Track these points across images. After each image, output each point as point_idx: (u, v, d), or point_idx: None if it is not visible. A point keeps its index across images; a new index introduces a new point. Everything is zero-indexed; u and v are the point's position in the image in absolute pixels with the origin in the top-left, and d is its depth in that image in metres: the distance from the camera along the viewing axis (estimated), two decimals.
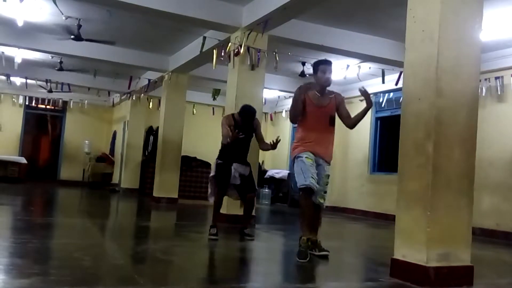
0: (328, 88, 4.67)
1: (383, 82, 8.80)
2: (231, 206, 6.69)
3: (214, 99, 11.02)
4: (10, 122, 14.88)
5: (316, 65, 4.59)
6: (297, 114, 4.54)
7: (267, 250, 5.33)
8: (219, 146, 6.94)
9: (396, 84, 8.24)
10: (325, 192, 4.59)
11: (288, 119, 14.58)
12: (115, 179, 15.00)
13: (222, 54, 7.23)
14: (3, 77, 11.70)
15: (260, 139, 5.72)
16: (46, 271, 3.25)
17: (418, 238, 3.49)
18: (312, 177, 4.34)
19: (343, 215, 10.75)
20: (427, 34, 3.64)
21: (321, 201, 4.55)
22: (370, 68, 8.97)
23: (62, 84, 11.99)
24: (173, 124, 10.29)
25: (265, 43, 6.97)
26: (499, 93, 7.77)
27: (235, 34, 7.01)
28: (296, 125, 4.77)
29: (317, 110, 4.54)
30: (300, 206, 4.53)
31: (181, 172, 10.52)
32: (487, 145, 7.37)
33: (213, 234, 5.27)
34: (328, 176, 4.62)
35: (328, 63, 4.59)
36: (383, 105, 10.39)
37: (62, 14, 6.53)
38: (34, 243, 4.35)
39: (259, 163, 7.41)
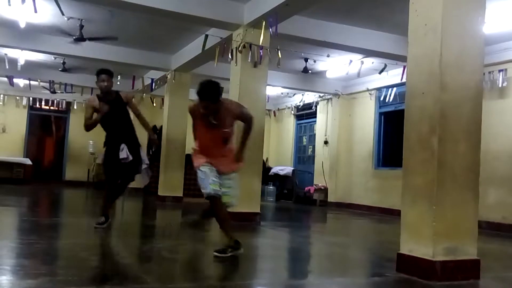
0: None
1: (380, 73, 8.81)
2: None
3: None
4: (14, 123, 14.91)
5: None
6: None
7: (273, 247, 5.34)
8: None
9: (402, 78, 8.23)
10: (229, 187, 4.17)
11: (292, 115, 14.54)
12: None
13: (224, 51, 7.23)
14: (6, 79, 11.72)
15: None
16: (53, 271, 3.26)
17: (424, 233, 3.48)
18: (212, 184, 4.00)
19: (348, 210, 10.75)
20: (430, 28, 3.63)
21: (228, 200, 4.16)
22: (373, 63, 8.94)
23: (66, 85, 12.01)
24: (176, 123, 10.28)
25: (267, 40, 6.96)
26: (503, 85, 7.73)
27: (237, 32, 7.00)
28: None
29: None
30: (215, 215, 4.20)
31: (186, 170, 10.52)
32: (492, 138, 7.34)
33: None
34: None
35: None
36: (387, 100, 10.36)
37: (63, 14, 6.52)
38: (41, 244, 4.37)
39: (264, 160, 7.40)
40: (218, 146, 4.16)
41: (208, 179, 4.01)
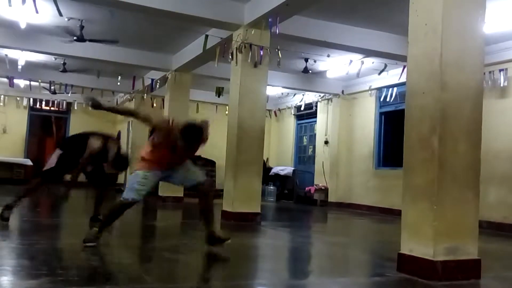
0: None
1: (379, 74, 8.83)
2: (237, 204, 6.70)
3: (219, 96, 11.03)
4: (15, 124, 14.92)
5: None
6: None
7: (274, 247, 5.34)
8: (223, 144, 6.94)
9: (400, 78, 8.23)
10: (194, 171, 4.40)
11: (292, 115, 14.53)
12: (120, 179, 15.02)
13: (225, 51, 7.23)
14: (7, 80, 11.72)
15: None
16: (54, 272, 3.26)
17: (425, 232, 3.48)
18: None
19: (349, 210, 10.74)
20: (430, 28, 3.63)
21: (200, 179, 4.37)
22: (373, 63, 8.94)
23: (66, 85, 12.01)
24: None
25: (267, 40, 6.96)
26: (503, 85, 7.73)
27: (237, 32, 7.00)
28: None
29: None
30: (116, 209, 4.41)
31: None
32: (492, 138, 7.32)
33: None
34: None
35: None
36: (387, 100, 10.35)
37: (62, 15, 6.51)
38: (42, 244, 4.37)
39: (264, 161, 7.41)
40: (175, 162, 4.28)
41: (145, 188, 4.25)
